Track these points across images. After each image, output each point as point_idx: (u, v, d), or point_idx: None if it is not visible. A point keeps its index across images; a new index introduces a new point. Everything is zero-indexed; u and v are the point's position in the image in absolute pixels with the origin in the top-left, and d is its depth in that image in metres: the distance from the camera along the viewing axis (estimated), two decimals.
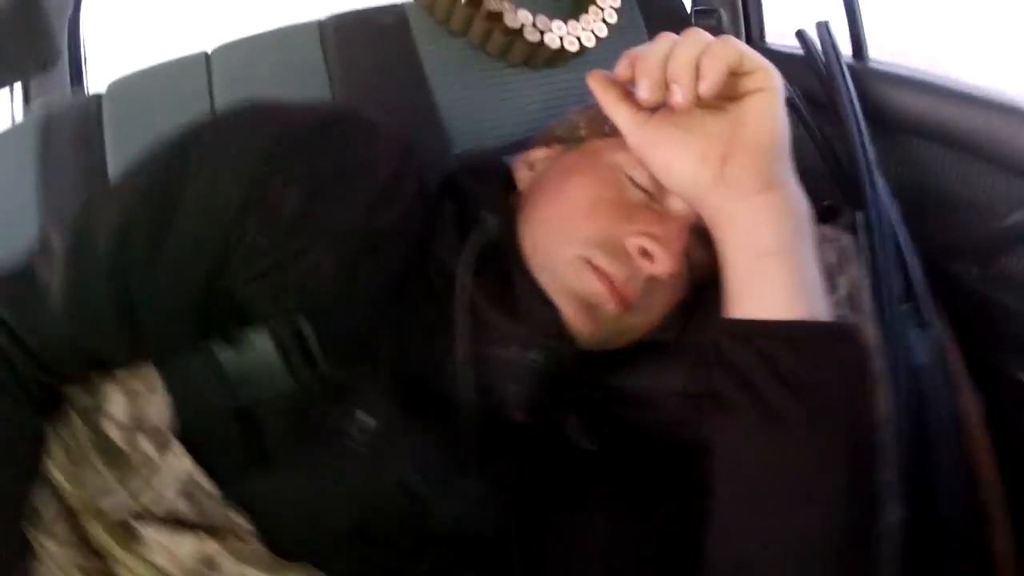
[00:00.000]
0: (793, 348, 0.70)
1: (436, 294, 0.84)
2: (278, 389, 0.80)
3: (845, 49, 1.37)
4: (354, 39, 1.42)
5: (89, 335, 0.82)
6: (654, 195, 0.83)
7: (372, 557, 0.84)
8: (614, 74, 0.77)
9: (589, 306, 0.81)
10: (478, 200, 0.90)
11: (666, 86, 0.70)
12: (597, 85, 0.78)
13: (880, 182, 1.17)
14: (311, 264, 0.81)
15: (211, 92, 1.39)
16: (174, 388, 0.81)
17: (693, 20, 1.60)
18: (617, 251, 0.80)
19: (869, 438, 0.71)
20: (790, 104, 1.26)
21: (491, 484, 0.85)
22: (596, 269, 0.80)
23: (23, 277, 0.83)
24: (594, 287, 0.80)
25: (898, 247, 1.10)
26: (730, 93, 0.71)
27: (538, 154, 0.97)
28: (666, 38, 0.70)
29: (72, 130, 1.40)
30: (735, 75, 0.70)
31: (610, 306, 0.81)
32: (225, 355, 0.80)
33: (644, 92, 0.71)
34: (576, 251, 0.81)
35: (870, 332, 0.94)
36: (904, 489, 0.82)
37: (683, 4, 1.61)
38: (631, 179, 0.84)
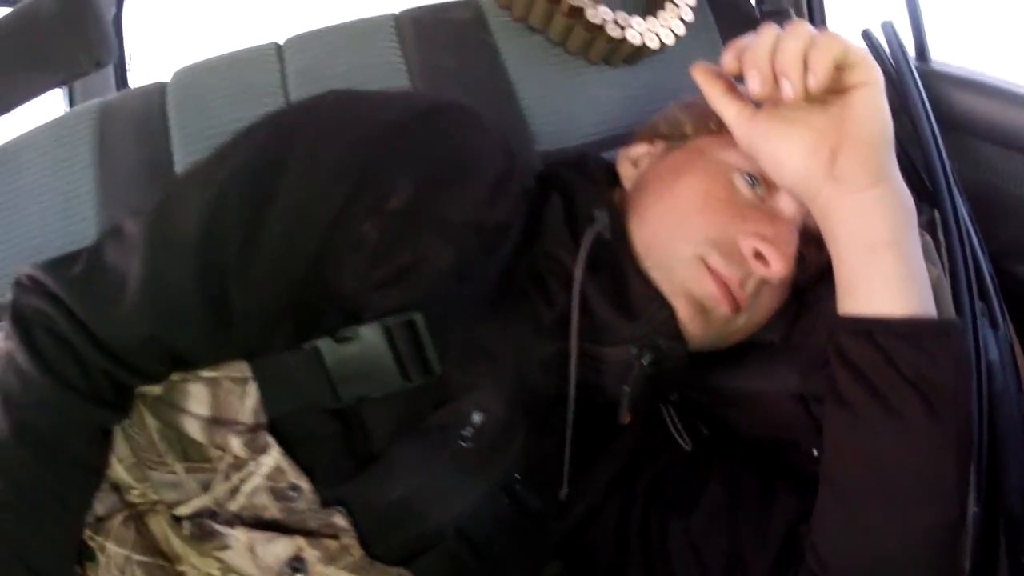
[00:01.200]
0: (913, 345, 0.74)
1: (549, 291, 0.86)
2: (387, 388, 0.81)
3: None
4: (431, 35, 1.43)
5: (174, 329, 0.80)
6: (764, 193, 0.86)
7: (468, 559, 0.86)
8: (719, 67, 0.80)
9: (703, 308, 0.84)
10: (587, 197, 0.92)
11: (775, 80, 0.72)
12: (703, 78, 0.82)
13: (954, 179, 1.21)
14: (426, 257, 0.80)
15: (285, 86, 1.39)
16: (267, 385, 0.81)
17: (760, 19, 1.61)
18: (732, 251, 0.83)
19: (972, 432, 0.76)
20: None
21: (590, 485, 0.89)
22: (712, 271, 0.82)
23: (92, 264, 0.81)
24: (709, 289, 0.83)
25: (973, 249, 1.14)
26: (835, 86, 0.73)
27: (640, 150, 0.98)
28: (771, 30, 0.73)
29: (133, 119, 1.42)
30: (839, 69, 0.72)
31: (723, 309, 0.83)
32: (329, 352, 0.79)
33: (755, 86, 0.74)
34: (693, 250, 0.83)
35: None
36: (980, 480, 0.87)
37: (751, 4, 1.64)
38: (741, 176, 0.86)
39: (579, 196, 0.92)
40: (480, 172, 0.85)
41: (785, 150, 0.78)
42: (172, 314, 0.78)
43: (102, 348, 0.77)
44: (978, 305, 1.09)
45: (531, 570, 0.93)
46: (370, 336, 0.78)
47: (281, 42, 1.49)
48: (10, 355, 0.77)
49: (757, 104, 0.79)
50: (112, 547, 0.82)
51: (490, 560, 0.87)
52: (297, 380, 0.80)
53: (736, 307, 0.83)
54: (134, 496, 0.84)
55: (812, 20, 1.65)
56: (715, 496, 0.90)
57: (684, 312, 0.84)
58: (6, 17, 1.50)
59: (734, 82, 0.81)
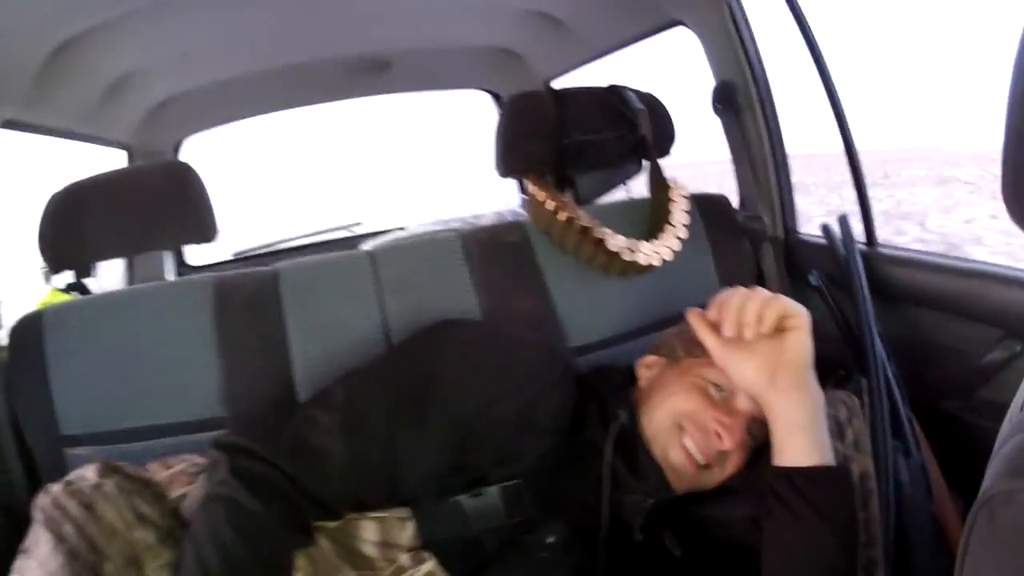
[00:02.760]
0: (811, 482, 1.24)
1: (591, 463, 1.37)
2: (499, 523, 1.33)
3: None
4: (490, 254, 1.83)
5: (365, 489, 1.32)
6: (728, 395, 1.36)
7: None
8: (705, 313, 1.32)
9: (678, 471, 1.35)
10: (614, 401, 1.44)
11: (740, 326, 1.26)
12: (694, 320, 1.34)
13: (881, 352, 1.62)
14: (527, 448, 1.34)
15: (379, 290, 1.77)
16: (423, 521, 1.32)
17: (744, 224, 2.05)
18: (700, 425, 1.34)
19: (853, 528, 1.26)
20: (816, 288, 1.74)
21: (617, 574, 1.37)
22: (683, 448, 1.34)
23: (298, 443, 1.30)
24: (679, 456, 1.35)
25: (892, 399, 1.56)
26: (779, 327, 1.26)
27: (650, 360, 1.51)
28: (738, 294, 1.28)
29: (249, 298, 1.75)
30: (781, 318, 1.25)
31: (690, 471, 1.34)
32: (466, 502, 1.32)
33: (728, 330, 1.28)
34: (674, 420, 1.36)
35: (868, 464, 1.44)
36: (888, 564, 1.32)
37: (734, 212, 2.06)
38: (713, 384, 1.37)
39: (608, 401, 1.45)
40: (556, 394, 1.40)
41: (744, 368, 1.29)
42: (366, 481, 1.30)
43: (311, 499, 1.26)
44: (892, 443, 1.51)
45: None
46: (493, 493, 1.33)
47: (370, 249, 1.88)
48: (233, 498, 1.22)
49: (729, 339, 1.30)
50: None
51: None
52: (445, 520, 1.32)
53: (697, 469, 1.34)
54: None
55: (784, 218, 2.07)
56: None
57: (670, 474, 1.36)
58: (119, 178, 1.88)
59: (713, 324, 1.32)
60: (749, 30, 2.01)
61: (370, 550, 1.30)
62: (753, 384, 1.28)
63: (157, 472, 1.44)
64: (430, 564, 1.28)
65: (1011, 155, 0.68)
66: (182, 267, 3.46)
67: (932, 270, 1.69)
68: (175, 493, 1.40)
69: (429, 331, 1.47)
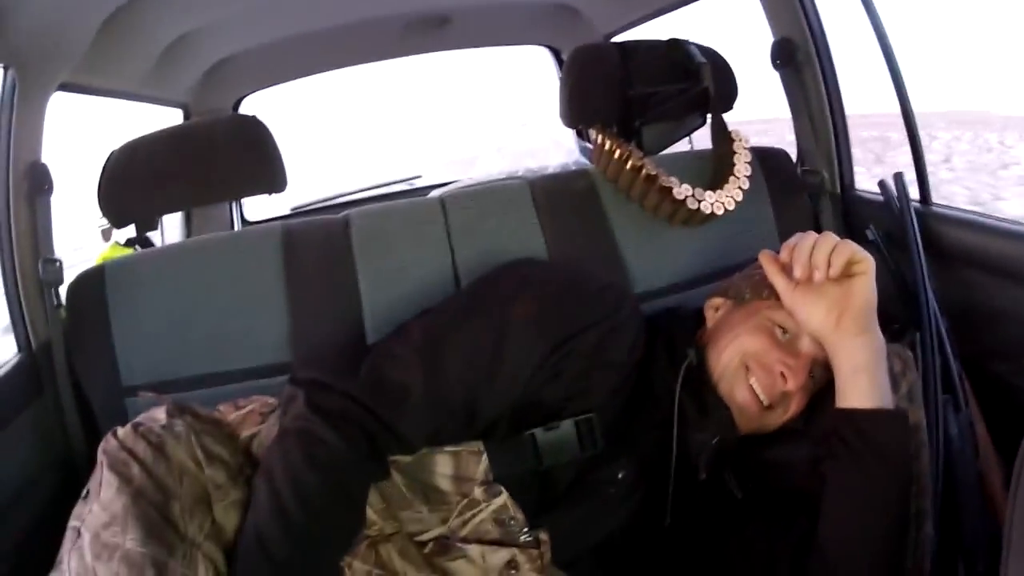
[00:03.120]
0: (874, 424, 1.32)
1: (659, 401, 1.44)
2: (571, 458, 1.40)
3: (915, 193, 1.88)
4: (557, 200, 1.90)
5: (443, 424, 1.36)
6: (792, 337, 1.42)
7: (609, 561, 1.44)
8: (777, 255, 1.39)
9: (743, 411, 1.41)
10: (682, 339, 1.50)
11: (810, 269, 1.32)
12: (766, 261, 1.41)
13: (935, 308, 1.66)
14: (599, 383, 1.41)
15: (449, 237, 1.84)
16: (496, 456, 1.38)
17: (803, 179, 2.11)
18: (766, 367, 1.40)
19: (909, 473, 1.33)
20: (872, 243, 1.79)
21: (682, 514, 1.45)
22: (749, 387, 1.40)
23: (378, 377, 1.33)
24: (744, 395, 1.41)
25: (944, 354, 1.61)
26: (845, 272, 1.32)
27: (717, 302, 1.57)
28: (810, 237, 1.34)
29: (319, 245, 1.83)
30: (849, 263, 1.31)
31: (754, 410, 1.41)
32: (540, 436, 1.39)
33: (798, 272, 1.34)
34: (740, 359, 1.42)
35: (920, 416, 1.50)
36: (936, 514, 1.37)
37: (794, 167, 2.12)
38: (779, 326, 1.43)
39: (677, 339, 1.51)
40: (628, 331, 1.45)
41: (812, 311, 1.36)
42: (444, 414, 1.35)
43: (390, 432, 1.31)
44: (943, 396, 1.57)
45: (636, 573, 1.49)
46: (567, 427, 1.39)
47: (442, 196, 1.94)
48: (310, 431, 1.26)
49: (798, 282, 1.36)
50: (358, 564, 1.34)
51: (613, 563, 1.45)
52: (518, 454, 1.39)
53: (762, 409, 1.41)
54: (373, 531, 1.38)
55: (842, 174, 2.11)
56: (756, 525, 1.45)
57: (736, 413, 1.42)
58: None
59: (783, 267, 1.39)
60: None
61: (444, 483, 1.37)
62: (820, 326, 1.35)
63: (227, 413, 1.49)
64: (502, 498, 1.36)
65: None
66: (242, 222, 3.53)
67: (987, 232, 1.72)
68: (246, 433, 1.45)
69: (505, 269, 1.54)
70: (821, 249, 1.32)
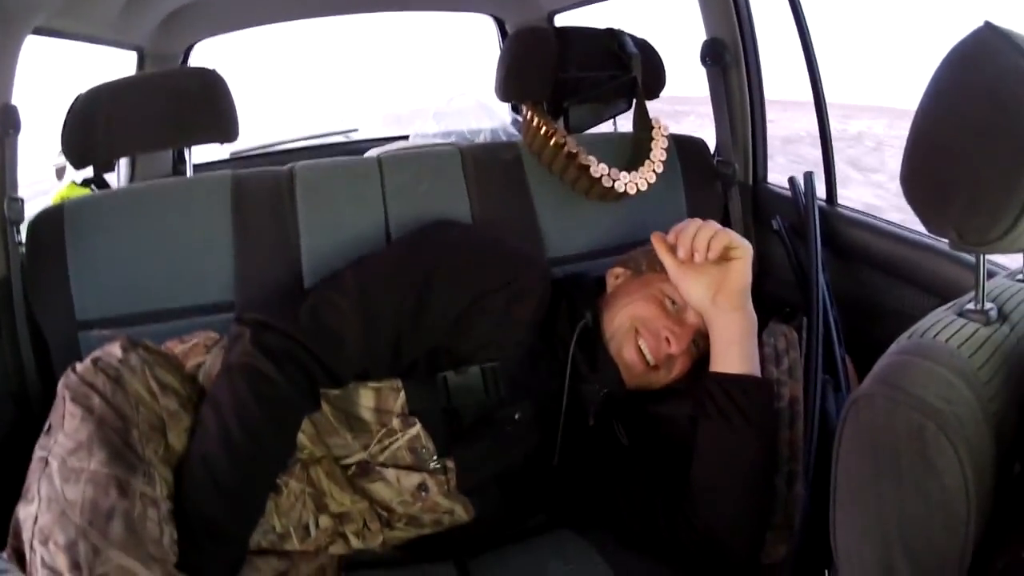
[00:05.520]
0: (740, 388, 1.50)
1: (557, 354, 1.62)
2: (476, 399, 1.57)
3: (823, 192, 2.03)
4: (485, 168, 2.05)
5: (372, 364, 1.54)
6: (680, 308, 1.61)
7: (506, 490, 1.62)
8: (666, 236, 1.57)
9: (629, 368, 1.59)
10: (581, 302, 1.68)
11: (692, 250, 1.50)
12: (657, 242, 1.59)
13: (824, 295, 1.79)
14: (505, 336, 1.58)
15: (384, 197, 1.98)
16: (412, 392, 1.55)
17: (716, 168, 2.27)
18: (653, 331, 1.59)
19: (772, 432, 1.53)
20: (776, 232, 1.93)
21: (571, 456, 1.62)
22: (637, 348, 1.59)
23: (317, 321, 1.49)
24: (631, 354, 1.60)
25: (829, 340, 1.74)
26: (724, 256, 1.51)
27: (618, 271, 1.76)
28: (694, 223, 1.53)
29: (266, 195, 1.95)
30: (727, 248, 1.50)
31: (640, 369, 1.59)
32: (451, 378, 1.56)
33: (681, 253, 1.53)
34: (631, 323, 1.61)
35: (799, 390, 1.65)
36: (808, 477, 1.53)
37: (709, 156, 2.28)
38: (669, 298, 1.61)
39: (577, 302, 1.69)
40: (534, 293, 1.62)
41: (692, 287, 1.56)
42: (374, 355, 1.54)
43: (326, 371, 1.48)
44: (824, 376, 1.68)
45: (529, 504, 1.69)
46: (474, 372, 1.57)
47: (379, 156, 2.07)
48: (255, 367, 1.42)
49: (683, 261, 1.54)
50: (293, 483, 1.51)
51: (512, 495, 1.63)
52: (431, 392, 1.55)
53: (646, 367, 1.59)
54: (304, 454, 1.54)
55: (755, 167, 2.26)
56: (638, 470, 1.63)
57: (623, 370, 1.61)
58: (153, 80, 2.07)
59: (671, 247, 1.57)
60: None
61: (366, 415, 1.54)
62: (699, 300, 1.56)
63: (174, 347, 1.62)
64: (415, 429, 1.53)
65: (914, 153, 0.94)
66: (181, 165, 3.58)
67: (880, 234, 1.88)
68: (191, 363, 1.58)
69: (432, 228, 1.71)
70: (702, 234, 1.52)
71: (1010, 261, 1.23)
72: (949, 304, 1.00)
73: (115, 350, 1.47)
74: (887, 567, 0.88)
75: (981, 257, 0.95)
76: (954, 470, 0.83)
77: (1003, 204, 0.83)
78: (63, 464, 1.29)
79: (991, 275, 1.07)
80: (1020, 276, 1.08)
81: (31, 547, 1.22)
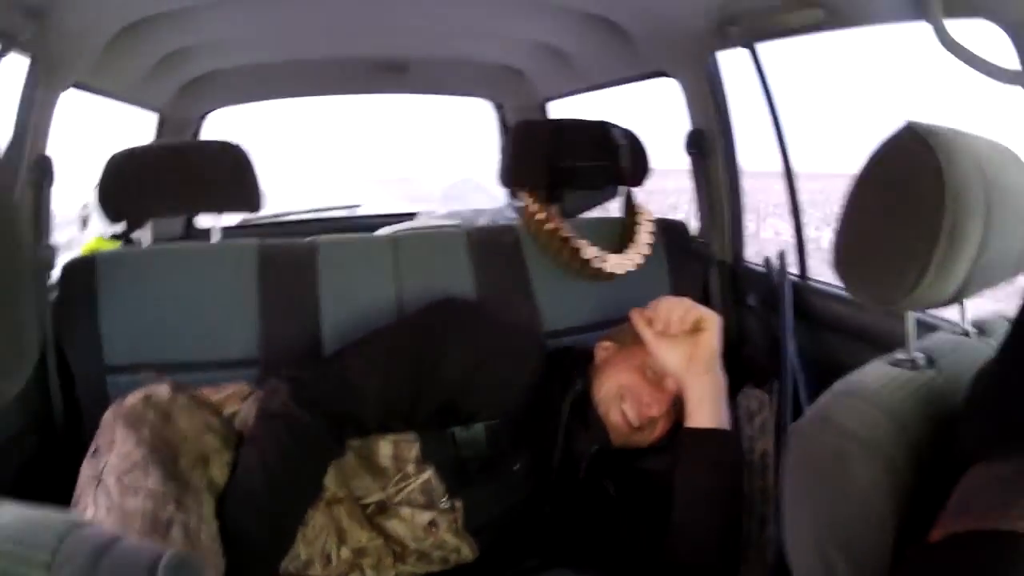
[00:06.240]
0: (709, 439, 1.73)
1: (552, 416, 1.82)
2: (480, 451, 1.78)
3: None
4: (486, 249, 2.26)
5: (391, 414, 1.76)
6: (659, 376, 1.82)
7: (508, 532, 1.80)
8: (644, 312, 1.80)
9: (616, 429, 1.81)
10: (572, 372, 1.89)
11: (668, 324, 1.73)
12: (635, 317, 1.82)
13: (793, 362, 2.01)
14: (506, 398, 1.80)
15: (398, 275, 2.18)
16: (426, 444, 1.76)
17: (697, 247, 2.47)
18: (636, 396, 1.80)
19: (738, 478, 1.73)
20: (750, 308, 2.14)
21: (564, 504, 1.82)
22: (621, 411, 1.80)
23: (342, 381, 1.74)
24: (618, 418, 1.81)
25: (797, 398, 1.96)
26: (696, 327, 1.74)
27: (606, 344, 1.97)
28: (667, 300, 1.78)
29: (290, 264, 2.14)
30: (697, 321, 1.74)
31: (625, 430, 1.80)
32: (459, 433, 1.78)
33: (657, 326, 1.77)
34: (617, 390, 1.82)
35: (770, 444, 1.87)
36: (778, 520, 1.70)
37: (689, 239, 2.49)
38: (649, 367, 1.83)
39: (570, 371, 1.90)
40: (531, 362, 1.87)
41: (668, 355, 1.79)
42: (393, 415, 1.77)
43: (353, 421, 1.73)
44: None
45: (527, 545, 1.85)
46: (478, 428, 1.79)
47: (394, 234, 2.30)
48: (293, 414, 1.66)
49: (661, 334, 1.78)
50: (318, 517, 1.71)
51: (510, 535, 1.81)
52: (442, 444, 1.77)
53: (630, 428, 1.80)
54: (328, 494, 1.74)
55: (735, 247, 2.46)
56: (625, 516, 1.83)
57: (610, 431, 1.82)
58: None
59: (649, 321, 1.80)
60: (722, 86, 2.39)
61: (385, 462, 1.76)
62: (674, 367, 1.78)
63: (211, 395, 1.82)
64: (428, 473, 1.75)
65: (842, 232, 1.13)
66: (191, 228, 3.77)
67: (849, 303, 2.03)
68: (228, 410, 1.80)
69: (439, 305, 1.92)
70: (675, 310, 1.79)
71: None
72: (885, 356, 1.18)
73: (163, 390, 1.69)
74: (827, 563, 1.06)
75: (907, 314, 1.15)
76: (868, 477, 1.01)
77: (908, 267, 1.01)
78: (119, 481, 1.47)
79: (935, 329, 1.28)
80: (961, 330, 1.26)
81: None
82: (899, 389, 1.08)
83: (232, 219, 3.83)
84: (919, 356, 1.14)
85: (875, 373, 1.12)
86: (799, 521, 1.13)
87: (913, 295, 1.03)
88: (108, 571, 0.61)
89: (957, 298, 1.09)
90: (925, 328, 1.30)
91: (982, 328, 1.27)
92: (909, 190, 1.02)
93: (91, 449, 1.60)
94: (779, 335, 2.07)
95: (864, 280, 1.11)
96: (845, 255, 1.14)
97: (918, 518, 0.99)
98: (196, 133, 3.72)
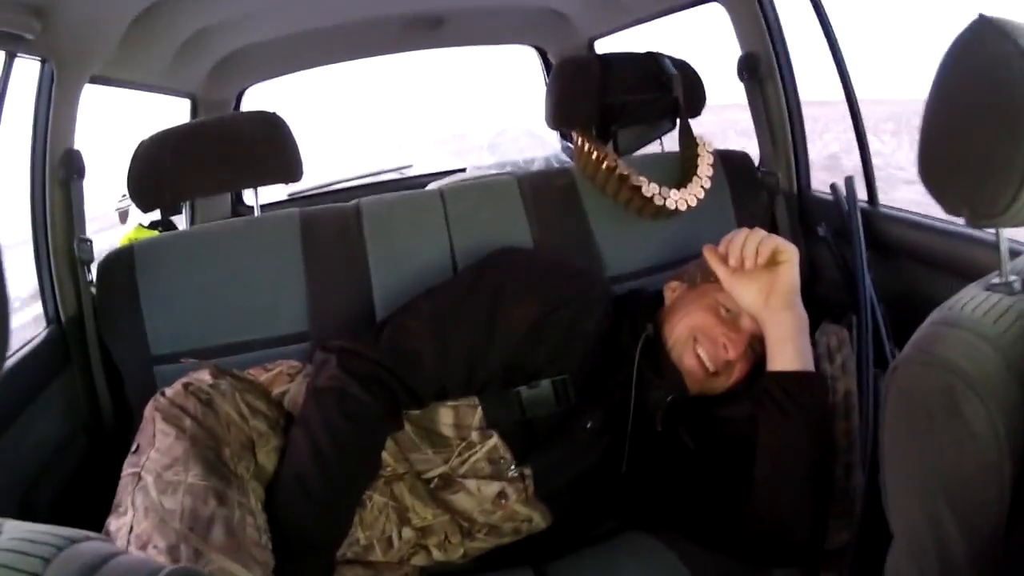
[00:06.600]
0: (796, 383, 1.60)
1: (623, 365, 1.72)
2: (548, 410, 1.69)
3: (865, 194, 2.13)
4: (541, 195, 2.18)
5: (450, 383, 1.67)
6: (735, 315, 1.71)
7: (581, 495, 1.73)
8: (717, 248, 1.68)
9: (691, 375, 1.70)
10: (643, 316, 1.79)
11: (743, 258, 1.62)
12: (708, 253, 1.71)
13: (871, 294, 1.91)
14: (573, 350, 1.70)
15: (448, 226, 2.11)
16: (488, 407, 1.68)
17: (761, 178, 2.37)
18: (711, 339, 1.69)
19: (826, 425, 1.61)
20: (822, 239, 2.03)
21: (640, 462, 1.73)
22: (696, 355, 1.69)
23: (397, 346, 1.65)
24: (690, 362, 1.70)
25: (877, 334, 1.86)
26: (772, 261, 1.62)
27: (674, 284, 1.86)
28: (742, 232, 1.65)
29: (334, 227, 2.09)
30: (775, 253, 1.61)
31: (700, 375, 1.69)
32: (524, 392, 1.68)
33: (732, 262, 1.65)
34: (689, 333, 1.71)
35: (852, 384, 1.77)
36: (866, 466, 1.61)
37: (754, 168, 2.39)
38: (723, 306, 1.72)
39: (638, 315, 1.80)
40: (597, 308, 1.75)
41: (745, 292, 1.66)
42: (450, 374, 1.66)
43: (408, 391, 1.63)
44: (876, 370, 1.80)
45: (602, 509, 1.81)
46: (545, 385, 1.69)
47: (441, 189, 2.20)
48: (343, 389, 1.58)
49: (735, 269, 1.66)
50: (377, 497, 1.65)
51: (583, 499, 1.74)
52: (506, 406, 1.68)
53: (706, 374, 1.69)
54: (387, 471, 1.67)
55: (799, 176, 2.36)
56: (704, 470, 1.73)
57: (686, 377, 1.71)
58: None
59: (723, 257, 1.68)
60: (773, 7, 2.28)
61: (446, 431, 1.67)
62: (752, 305, 1.66)
63: (258, 375, 1.76)
64: (493, 440, 1.66)
65: (927, 139, 1.05)
66: (240, 206, 3.74)
67: (923, 229, 1.95)
68: (277, 390, 1.73)
69: (498, 255, 1.83)
70: (750, 242, 1.64)
71: None
72: (978, 281, 1.10)
73: (205, 376, 1.62)
74: (932, 517, 0.98)
75: (1000, 232, 1.05)
76: (981, 418, 0.93)
77: (1004, 178, 0.94)
78: (158, 478, 1.40)
79: (1019, 255, 1.18)
80: None
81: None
82: (1001, 317, 1.00)
83: (278, 195, 3.81)
84: (1016, 280, 1.05)
85: (973, 301, 1.04)
86: (901, 469, 1.06)
87: (1012, 209, 0.95)
88: None
89: None
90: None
91: None
92: (998, 88, 0.95)
93: (133, 447, 1.53)
94: (853, 267, 1.98)
95: (957, 195, 1.03)
96: (932, 167, 1.06)
97: None
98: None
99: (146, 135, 2.13)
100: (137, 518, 1.36)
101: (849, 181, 2.11)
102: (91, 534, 0.66)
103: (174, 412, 1.52)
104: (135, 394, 1.92)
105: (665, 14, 2.94)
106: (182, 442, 1.46)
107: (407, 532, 1.64)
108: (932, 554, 0.98)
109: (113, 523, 1.39)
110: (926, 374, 0.99)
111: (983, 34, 0.97)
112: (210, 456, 1.46)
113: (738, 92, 2.42)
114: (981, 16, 0.97)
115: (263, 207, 2.50)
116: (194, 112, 3.42)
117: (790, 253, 1.63)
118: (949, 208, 1.05)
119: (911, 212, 2.06)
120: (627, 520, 1.81)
